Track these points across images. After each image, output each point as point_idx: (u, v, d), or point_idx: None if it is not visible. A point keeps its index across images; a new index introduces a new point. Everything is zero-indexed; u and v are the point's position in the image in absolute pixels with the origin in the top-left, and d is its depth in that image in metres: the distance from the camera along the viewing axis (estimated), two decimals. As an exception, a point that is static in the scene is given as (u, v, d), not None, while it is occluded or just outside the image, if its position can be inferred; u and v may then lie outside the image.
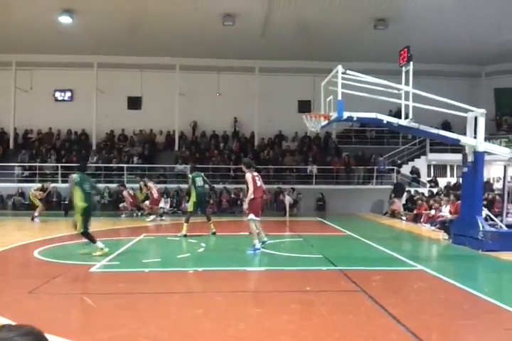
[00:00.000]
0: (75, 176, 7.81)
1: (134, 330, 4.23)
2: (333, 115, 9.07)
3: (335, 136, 23.47)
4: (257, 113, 22.49)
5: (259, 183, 8.61)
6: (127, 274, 6.79)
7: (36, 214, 14.34)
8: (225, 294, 5.74)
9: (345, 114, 8.87)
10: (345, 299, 5.45)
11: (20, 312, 4.74)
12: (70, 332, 4.09)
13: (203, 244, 9.49)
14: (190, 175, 11.72)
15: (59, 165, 19.94)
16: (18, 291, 5.61)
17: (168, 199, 18.85)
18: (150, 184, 15.72)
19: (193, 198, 11.18)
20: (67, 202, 16.76)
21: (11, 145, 22.31)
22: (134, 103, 23.01)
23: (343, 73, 8.70)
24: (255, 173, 8.74)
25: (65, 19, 16.87)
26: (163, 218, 15.45)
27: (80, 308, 5.00)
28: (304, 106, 20.97)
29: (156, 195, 15.48)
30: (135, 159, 21.19)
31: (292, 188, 19.10)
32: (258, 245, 8.37)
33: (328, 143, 23.32)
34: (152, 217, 15.12)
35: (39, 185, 15.74)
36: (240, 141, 22.99)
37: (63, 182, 18.81)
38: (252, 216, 8.45)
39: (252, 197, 8.38)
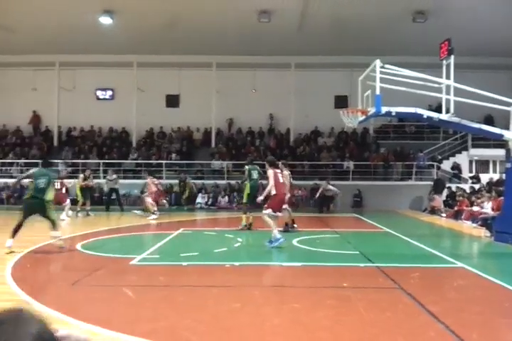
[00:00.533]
0: (31, 171, 8.11)
1: (173, 323, 4.34)
2: (371, 110, 8.96)
3: (373, 132, 23.09)
4: (293, 109, 22.42)
5: (281, 180, 8.69)
6: (166, 267, 6.95)
7: (78, 208, 14.81)
8: (262, 289, 5.79)
9: (384, 109, 8.74)
10: (383, 296, 5.39)
11: (63, 303, 4.91)
12: (114, 324, 4.22)
13: (240, 239, 9.59)
14: (246, 167, 11.89)
15: (101, 161, 20.62)
16: (62, 283, 5.86)
17: (206, 195, 19.13)
18: (148, 180, 14.63)
19: (247, 190, 11.50)
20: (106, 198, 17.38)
21: (55, 143, 23.23)
22: (172, 101, 23.44)
23: (381, 67, 8.57)
24: (278, 170, 8.93)
25: (106, 20, 17.38)
26: (155, 216, 13.92)
27: (121, 300, 5.15)
28: (341, 102, 20.77)
29: (153, 190, 14.45)
30: (173, 155, 21.60)
31: (328, 182, 18.92)
32: (277, 234, 8.27)
33: (366, 139, 22.99)
34: (153, 216, 13.81)
35: (81, 175, 15.74)
36: (275, 137, 23.02)
37: (105, 177, 19.50)
38: (269, 210, 8.40)
39: (274, 192, 8.41)
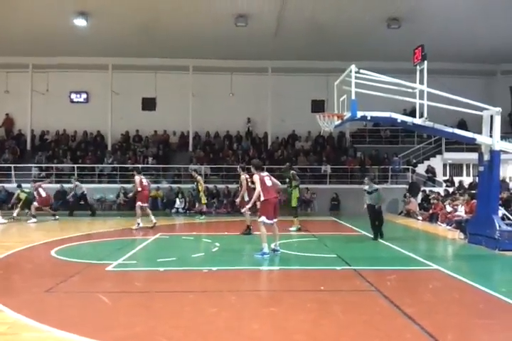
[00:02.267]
0: None
1: (150, 328, 4.28)
2: (347, 114, 9.05)
3: (349, 136, 23.38)
4: (271, 113, 22.51)
5: (269, 183, 8.11)
6: (143, 273, 6.88)
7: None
8: (240, 293, 5.76)
9: (359, 114, 8.85)
10: (360, 298, 5.43)
11: (37, 310, 4.82)
12: (87, 330, 4.16)
13: (217, 244, 9.53)
14: (292, 172, 12.27)
15: (75, 165, 20.24)
16: (36, 290, 5.71)
17: (183, 199, 18.98)
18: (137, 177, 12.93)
19: (296, 194, 12.08)
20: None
21: (28, 147, 22.68)
22: (149, 104, 23.28)
23: (356, 72, 8.67)
24: (264, 173, 8.36)
25: (80, 22, 17.09)
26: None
27: (97, 307, 5.06)
28: (318, 106, 20.99)
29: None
30: (150, 160, 21.38)
31: (306, 188, 19.06)
32: (266, 249, 7.89)
33: (343, 143, 23.25)
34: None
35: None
36: (253, 141, 23.06)
37: (80, 182, 19.16)
38: (263, 218, 7.92)
39: (263, 198, 7.88)
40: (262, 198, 7.90)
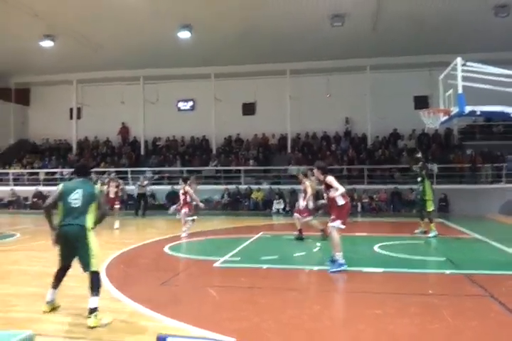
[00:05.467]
0: (58, 187, 5.00)
1: (256, 323, 4.46)
2: (454, 110, 8.57)
3: (457, 133, 21.92)
4: (370, 112, 21.99)
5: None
6: (247, 270, 7.15)
7: None
8: (343, 294, 5.78)
9: (467, 109, 8.32)
10: (471, 304, 5.14)
11: (153, 301, 5.24)
12: (199, 322, 4.43)
13: (318, 244, 9.58)
14: (423, 172, 11.43)
15: (184, 169, 21.62)
16: (152, 283, 6.25)
17: (281, 200, 19.29)
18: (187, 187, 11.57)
19: (430, 197, 11.36)
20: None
21: (142, 152, 24.75)
22: (248, 109, 24.13)
23: (462, 65, 8.17)
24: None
25: (184, 34, 18.25)
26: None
27: (206, 300, 5.38)
28: (421, 102, 20.05)
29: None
30: (251, 162, 22.09)
31: (411, 189, 18.26)
32: (342, 259, 6.93)
33: (450, 140, 21.86)
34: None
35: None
36: (352, 141, 22.68)
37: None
38: (338, 223, 7.01)
39: (344, 202, 7.09)
40: (341, 202, 7.06)
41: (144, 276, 6.77)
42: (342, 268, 6.80)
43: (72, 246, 4.72)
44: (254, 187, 20.48)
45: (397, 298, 5.47)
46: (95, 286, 4.62)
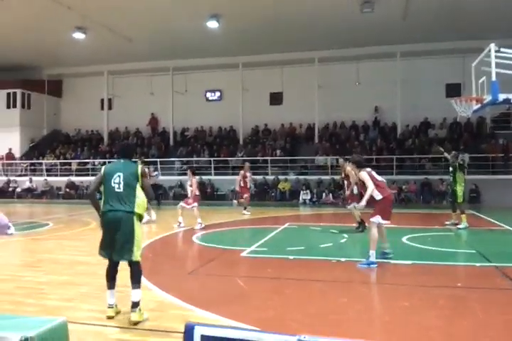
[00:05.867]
0: (101, 170, 4.67)
1: (282, 314, 4.51)
2: (487, 98, 8.31)
3: (490, 121, 21.25)
4: (400, 100, 21.55)
5: (379, 178, 7.08)
6: (274, 260, 7.20)
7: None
8: (369, 285, 5.76)
9: (501, 96, 8.04)
10: (502, 297, 5.05)
11: (182, 290, 5.35)
12: (226, 311, 4.51)
13: (345, 235, 9.55)
14: (459, 161, 11.12)
15: (211, 159, 21.80)
16: (180, 272, 6.38)
17: (308, 190, 19.23)
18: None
19: (461, 188, 10.94)
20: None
21: (171, 142, 25.06)
22: (276, 98, 24.03)
23: (496, 51, 7.88)
24: (368, 169, 7.15)
25: (213, 24, 18.25)
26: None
27: (234, 289, 5.46)
28: (453, 90, 19.55)
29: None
30: (278, 152, 22.05)
31: (441, 179, 17.89)
32: (374, 257, 6.72)
33: (482, 129, 21.22)
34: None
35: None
36: (381, 131, 22.31)
37: (215, 174, 20.63)
38: (378, 218, 6.82)
39: (381, 197, 6.83)
40: (378, 197, 6.84)
41: (172, 265, 6.91)
42: (371, 266, 6.65)
43: (115, 234, 4.34)
44: (282, 177, 20.45)
45: (425, 290, 5.41)
46: (137, 277, 4.39)
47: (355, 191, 9.91)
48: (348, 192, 10.27)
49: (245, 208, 14.28)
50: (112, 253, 4.38)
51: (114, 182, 4.42)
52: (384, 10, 16.79)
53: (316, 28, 18.77)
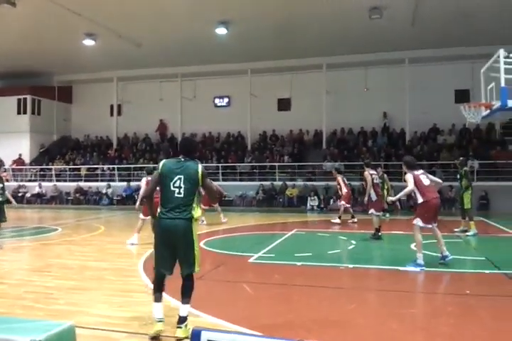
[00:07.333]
0: (158, 166, 4.27)
1: (289, 320, 4.49)
2: (496, 104, 8.27)
3: (499, 128, 21.10)
4: (409, 106, 21.46)
5: (427, 182, 6.98)
6: (281, 266, 7.18)
7: None
8: (377, 292, 5.72)
9: (510, 102, 7.99)
10: (511, 305, 4.99)
11: (192, 296, 5.37)
12: (235, 317, 4.51)
13: (353, 241, 9.51)
14: (465, 168, 11.13)
15: (219, 165, 21.85)
16: (189, 277, 6.38)
17: (315, 197, 19.18)
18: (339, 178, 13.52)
19: (468, 195, 10.98)
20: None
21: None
22: (284, 104, 24.08)
23: (505, 57, 7.86)
24: (419, 171, 7.18)
25: (221, 30, 18.38)
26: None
27: (242, 295, 5.47)
28: (462, 96, 19.43)
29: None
30: (286, 158, 22.06)
31: (450, 186, 17.75)
32: (421, 260, 6.76)
33: (492, 136, 21.08)
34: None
35: None
36: (389, 137, 22.24)
37: (223, 180, 20.67)
38: (418, 221, 6.85)
39: (422, 200, 6.83)
40: (420, 200, 6.86)
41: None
42: (418, 268, 6.65)
43: (174, 245, 4.00)
44: (289, 183, 20.45)
45: (434, 297, 5.39)
46: (190, 292, 4.14)
47: (374, 197, 9.98)
48: (366, 198, 10.24)
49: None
50: (181, 267, 4.15)
51: (174, 186, 4.01)
52: (392, 16, 16.81)
53: (325, 34, 18.83)
